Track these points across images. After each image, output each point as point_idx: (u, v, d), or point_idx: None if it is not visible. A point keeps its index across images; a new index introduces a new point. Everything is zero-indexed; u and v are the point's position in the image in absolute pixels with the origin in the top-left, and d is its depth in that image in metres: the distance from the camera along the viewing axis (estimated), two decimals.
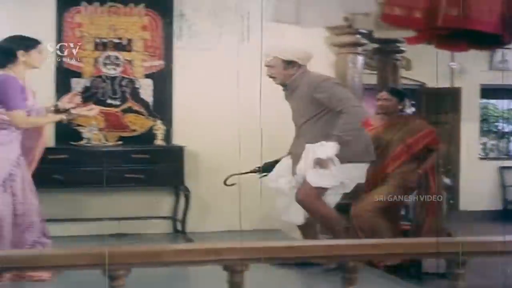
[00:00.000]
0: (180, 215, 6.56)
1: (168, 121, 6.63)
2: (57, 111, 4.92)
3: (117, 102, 6.60)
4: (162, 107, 6.65)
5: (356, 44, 6.41)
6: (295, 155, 5.10)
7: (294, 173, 5.07)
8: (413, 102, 8.08)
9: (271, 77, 5.14)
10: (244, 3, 6.58)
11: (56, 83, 6.45)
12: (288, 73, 5.07)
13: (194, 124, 6.64)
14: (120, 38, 6.60)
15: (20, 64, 4.70)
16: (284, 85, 5.16)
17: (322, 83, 4.99)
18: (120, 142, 6.50)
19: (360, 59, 6.48)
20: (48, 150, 5.95)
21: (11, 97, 4.58)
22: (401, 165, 5.64)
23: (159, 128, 6.47)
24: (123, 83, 6.59)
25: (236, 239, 5.41)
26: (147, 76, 6.64)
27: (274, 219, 5.79)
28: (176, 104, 6.68)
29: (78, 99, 5.09)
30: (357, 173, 5.10)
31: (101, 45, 6.56)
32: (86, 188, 6.37)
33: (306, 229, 5.30)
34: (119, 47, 6.59)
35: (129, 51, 6.61)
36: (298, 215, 5.19)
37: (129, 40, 6.62)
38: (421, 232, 5.74)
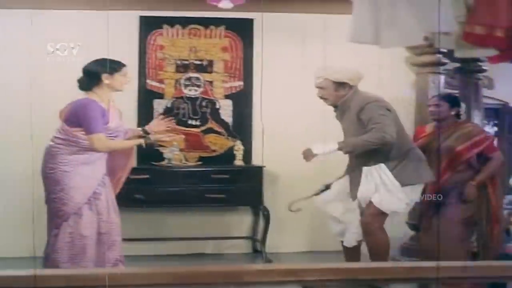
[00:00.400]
0: (259, 235, 6.57)
1: (247, 142, 6.67)
2: (146, 134, 5.01)
3: (198, 123, 6.68)
4: (241, 127, 6.69)
5: (437, 64, 6.32)
6: (353, 177, 5.07)
7: (353, 197, 5.04)
8: (495, 122, 7.90)
9: (322, 98, 5.12)
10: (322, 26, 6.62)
11: (139, 104, 6.57)
12: (339, 94, 5.04)
13: (273, 145, 6.65)
14: (201, 60, 6.69)
15: (104, 87, 4.81)
16: (335, 106, 5.13)
17: (366, 105, 4.92)
18: (200, 163, 6.57)
19: (441, 78, 6.38)
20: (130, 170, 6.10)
21: (90, 121, 4.68)
22: (453, 176, 5.41)
23: (239, 149, 6.52)
24: (204, 103, 6.67)
25: (316, 260, 5.38)
26: (227, 96, 6.70)
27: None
28: (256, 125, 6.71)
29: (164, 125, 5.17)
30: (414, 195, 5.03)
31: (182, 67, 6.66)
32: (167, 208, 6.45)
33: (352, 252, 5.24)
34: (200, 68, 6.67)
35: (210, 72, 6.69)
36: (351, 238, 5.17)
37: (210, 62, 6.70)
38: (489, 253, 5.45)
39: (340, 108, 5.10)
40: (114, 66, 4.82)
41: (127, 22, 6.53)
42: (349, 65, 5.22)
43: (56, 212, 4.67)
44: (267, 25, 6.68)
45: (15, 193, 6.08)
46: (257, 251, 6.65)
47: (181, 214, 6.61)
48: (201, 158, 6.62)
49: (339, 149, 4.82)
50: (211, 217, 6.60)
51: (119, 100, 6.01)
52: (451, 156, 5.41)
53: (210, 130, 6.65)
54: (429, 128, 5.74)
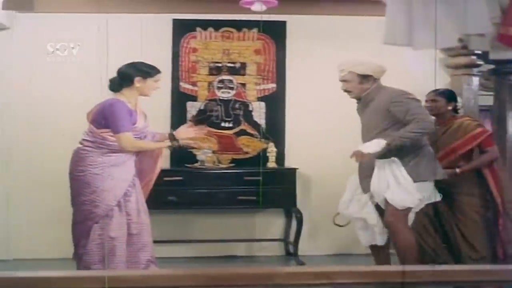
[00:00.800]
0: (291, 238, 6.57)
1: (280, 144, 6.67)
2: (172, 138, 5.02)
3: (231, 125, 6.70)
4: (274, 129, 6.70)
5: (472, 66, 6.27)
6: (362, 170, 5.06)
7: (365, 189, 5.02)
8: None
9: (346, 91, 5.13)
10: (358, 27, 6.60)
11: (172, 107, 6.62)
12: (364, 87, 5.06)
13: (305, 147, 6.66)
14: (233, 62, 6.71)
15: (134, 90, 4.84)
16: (358, 98, 5.13)
17: (399, 97, 4.93)
18: (232, 165, 6.59)
19: (476, 80, 6.33)
20: (163, 172, 6.11)
21: (118, 120, 4.70)
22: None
23: (272, 151, 6.52)
24: (236, 106, 6.70)
25: (348, 263, 5.35)
26: (260, 99, 6.71)
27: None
28: (289, 127, 6.72)
29: (192, 133, 5.17)
30: (426, 191, 4.99)
31: (215, 69, 6.69)
32: (199, 210, 6.48)
33: (378, 252, 5.23)
34: (232, 71, 6.70)
35: (243, 74, 6.71)
36: (382, 236, 5.13)
37: (243, 64, 6.73)
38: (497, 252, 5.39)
39: (363, 101, 5.10)
40: (149, 71, 4.85)
41: (161, 25, 6.59)
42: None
43: (87, 214, 4.69)
44: (299, 27, 6.70)
45: (53, 193, 6.16)
46: (289, 254, 6.65)
47: (213, 216, 6.64)
48: (233, 160, 6.64)
49: (388, 144, 4.75)
50: (243, 219, 6.61)
51: (152, 103, 6.08)
52: (446, 152, 5.41)
53: (243, 132, 6.67)
54: None
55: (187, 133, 5.15)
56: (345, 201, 5.19)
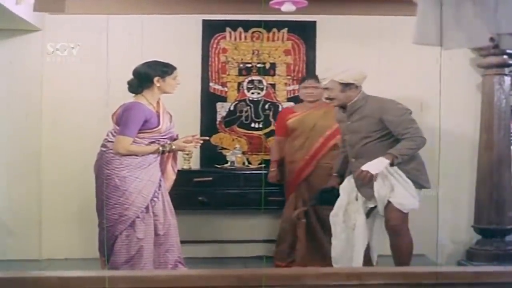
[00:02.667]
0: None
1: None
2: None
3: (260, 126, 6.70)
4: None
5: (503, 65, 6.19)
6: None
7: (368, 197, 5.03)
8: None
9: (328, 99, 5.22)
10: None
11: (202, 107, 6.62)
12: (346, 94, 5.10)
13: None
14: (263, 63, 6.71)
15: (155, 90, 4.85)
16: (342, 106, 5.18)
17: (392, 106, 5.01)
18: (262, 165, 6.58)
19: (507, 80, 6.24)
20: (194, 173, 6.17)
21: (126, 124, 4.72)
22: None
23: None
24: (266, 106, 6.69)
25: (380, 264, 5.32)
26: (290, 99, 6.69)
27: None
28: None
29: (191, 146, 5.11)
30: (418, 197, 5.05)
31: (245, 70, 6.69)
32: (229, 210, 6.48)
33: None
34: (262, 71, 6.69)
35: (272, 75, 6.70)
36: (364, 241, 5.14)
37: (272, 65, 6.72)
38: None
39: (349, 109, 5.13)
40: (166, 70, 4.87)
41: (190, 26, 6.59)
42: (355, 66, 5.28)
43: (118, 218, 4.71)
44: (329, 28, 6.67)
45: (82, 193, 6.20)
46: None
47: (243, 217, 6.63)
48: (263, 161, 6.63)
49: (391, 163, 4.82)
50: (272, 220, 6.59)
51: (182, 104, 6.11)
52: (322, 141, 5.84)
53: (273, 133, 6.65)
54: (298, 108, 6.09)
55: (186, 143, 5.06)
56: (342, 205, 5.19)
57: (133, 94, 4.91)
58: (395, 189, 4.90)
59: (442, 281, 3.05)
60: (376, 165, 4.81)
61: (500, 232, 6.13)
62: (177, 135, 5.07)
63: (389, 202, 4.91)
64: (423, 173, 5.04)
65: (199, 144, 5.18)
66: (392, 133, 4.95)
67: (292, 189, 5.98)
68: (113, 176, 4.70)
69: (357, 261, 5.07)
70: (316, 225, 5.89)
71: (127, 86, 4.91)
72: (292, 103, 6.60)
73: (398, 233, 4.95)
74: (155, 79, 4.80)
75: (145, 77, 4.82)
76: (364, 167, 4.82)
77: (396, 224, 4.92)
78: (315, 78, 5.90)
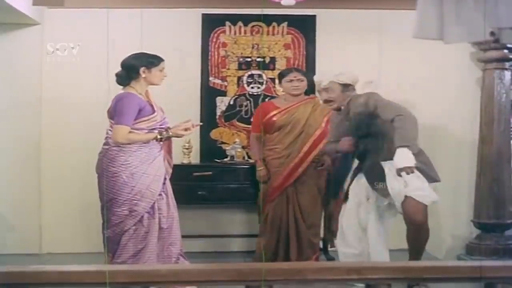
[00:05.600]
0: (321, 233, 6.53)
1: None
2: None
3: None
4: None
5: (504, 59, 6.17)
6: (370, 175, 5.11)
7: (384, 194, 5.02)
8: None
9: (328, 101, 5.24)
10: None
11: (201, 101, 6.62)
12: (345, 96, 5.16)
13: None
14: (263, 57, 6.70)
15: (141, 81, 4.86)
16: (338, 109, 5.25)
17: (374, 97, 5.04)
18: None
19: (508, 74, 6.23)
20: (194, 167, 6.16)
21: (121, 114, 4.70)
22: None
23: None
24: (266, 101, 6.68)
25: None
26: None
27: None
28: None
29: (188, 133, 5.06)
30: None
31: (245, 64, 6.69)
32: (229, 205, 6.48)
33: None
34: (262, 65, 6.68)
35: (272, 69, 6.69)
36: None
37: (272, 59, 6.71)
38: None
39: (344, 110, 5.20)
40: (152, 61, 4.87)
41: (190, 20, 6.59)
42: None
43: (128, 214, 4.70)
44: (329, 21, 6.67)
45: (82, 188, 6.20)
46: (320, 249, 6.60)
47: (243, 211, 6.64)
48: None
49: (412, 150, 4.67)
50: None
51: (182, 98, 6.11)
52: (320, 132, 5.74)
53: None
54: (280, 103, 5.91)
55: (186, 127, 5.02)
56: (353, 208, 5.21)
57: (122, 86, 4.91)
58: (411, 183, 4.78)
59: (442, 275, 3.04)
60: (408, 159, 4.61)
61: (499, 226, 6.13)
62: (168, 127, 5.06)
63: (406, 196, 4.83)
64: (431, 167, 5.00)
65: (194, 130, 5.12)
66: (387, 130, 4.91)
67: (281, 188, 5.79)
68: (120, 173, 4.68)
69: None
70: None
71: (115, 78, 4.91)
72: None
73: (422, 226, 4.90)
74: (141, 69, 4.81)
75: (132, 68, 4.83)
76: (397, 165, 4.62)
77: (420, 218, 4.85)
78: (300, 70, 5.95)
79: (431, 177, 4.96)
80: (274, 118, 5.80)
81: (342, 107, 5.20)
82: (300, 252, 5.77)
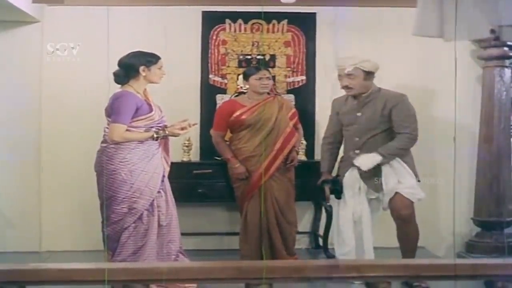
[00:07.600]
0: (321, 231, 6.54)
1: (310, 136, 6.63)
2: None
3: None
4: (304, 122, 6.63)
5: (504, 57, 6.18)
6: (365, 171, 5.18)
7: (376, 189, 5.18)
8: None
9: (348, 87, 5.23)
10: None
11: (201, 99, 6.61)
12: (366, 84, 5.19)
13: None
14: (263, 55, 6.69)
15: (140, 79, 4.85)
16: (356, 96, 5.25)
17: (405, 101, 5.16)
18: None
19: (508, 72, 6.23)
20: (193, 165, 6.15)
21: (118, 112, 4.71)
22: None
23: (301, 144, 6.47)
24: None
25: (379, 256, 5.33)
26: (290, 91, 6.68)
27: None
28: (318, 119, 6.68)
29: (184, 132, 5.05)
30: None
31: (245, 62, 6.67)
32: (229, 203, 6.47)
33: None
34: (262, 63, 6.67)
35: (272, 67, 6.67)
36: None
37: (272, 56, 6.70)
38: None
39: (363, 100, 5.22)
40: (150, 59, 4.88)
41: (190, 17, 6.58)
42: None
43: (127, 211, 4.70)
44: (329, 19, 6.66)
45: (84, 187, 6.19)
46: (319, 247, 6.61)
47: None
48: None
49: (381, 162, 5.03)
50: None
51: (182, 96, 6.10)
52: (291, 130, 5.77)
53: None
54: (244, 101, 5.82)
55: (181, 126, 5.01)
56: (349, 199, 5.29)
57: (120, 85, 4.90)
58: (403, 180, 5.06)
59: (441, 273, 3.04)
60: (367, 162, 5.06)
61: (499, 224, 6.13)
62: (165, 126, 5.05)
63: (396, 193, 5.05)
64: (412, 166, 5.20)
65: (190, 130, 5.11)
66: (393, 131, 5.11)
67: (257, 185, 5.67)
68: (119, 170, 4.69)
69: (370, 255, 5.23)
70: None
71: (113, 77, 4.90)
72: (292, 95, 6.59)
73: (409, 222, 5.09)
74: (141, 68, 4.81)
75: (131, 67, 4.83)
76: (356, 162, 5.04)
77: (407, 213, 5.06)
78: (267, 69, 5.97)
79: (416, 176, 5.22)
80: (244, 117, 5.68)
81: (363, 95, 5.23)
82: (286, 247, 5.77)
